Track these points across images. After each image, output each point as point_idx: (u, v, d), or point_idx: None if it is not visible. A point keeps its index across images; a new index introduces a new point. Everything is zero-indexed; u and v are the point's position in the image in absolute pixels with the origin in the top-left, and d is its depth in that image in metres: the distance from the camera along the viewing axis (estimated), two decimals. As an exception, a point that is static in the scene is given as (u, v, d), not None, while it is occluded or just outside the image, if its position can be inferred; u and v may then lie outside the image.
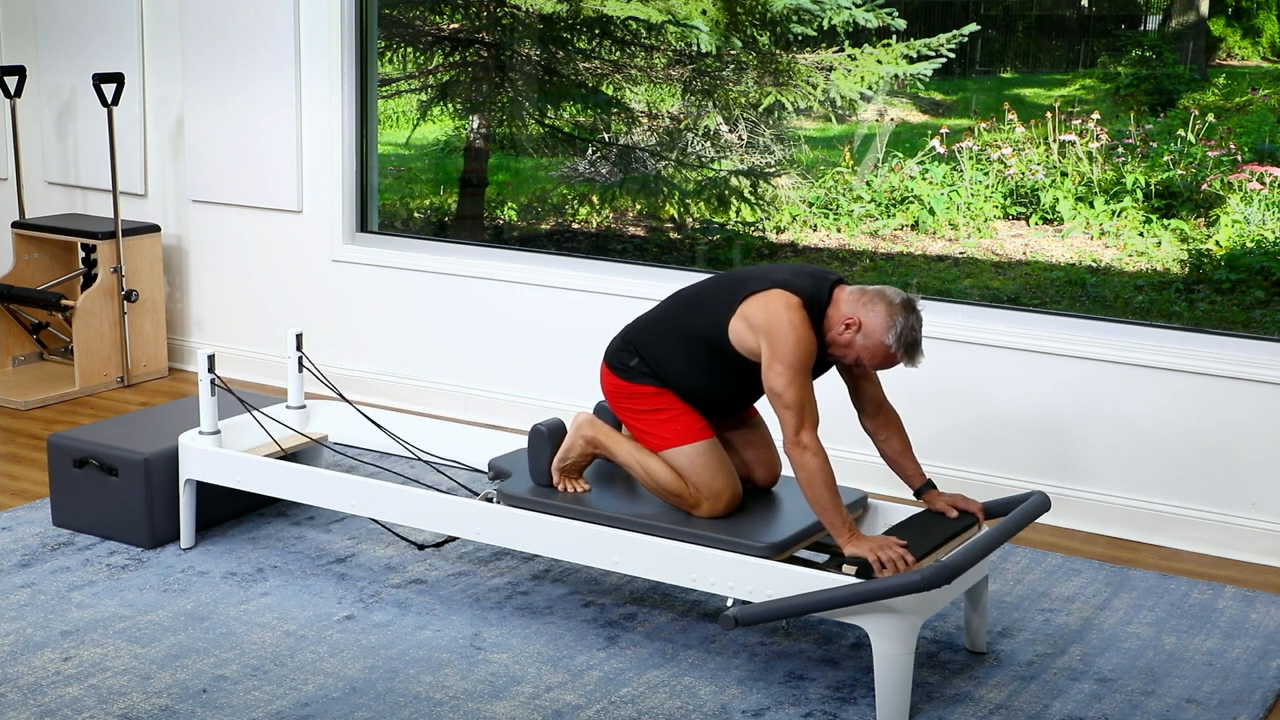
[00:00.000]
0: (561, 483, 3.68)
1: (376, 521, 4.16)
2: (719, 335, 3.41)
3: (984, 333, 4.60)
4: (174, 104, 6.01)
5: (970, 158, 5.40)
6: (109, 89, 5.75)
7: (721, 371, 3.47)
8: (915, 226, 5.41)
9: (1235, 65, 5.12)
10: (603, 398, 3.77)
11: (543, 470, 3.70)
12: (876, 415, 3.55)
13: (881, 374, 3.54)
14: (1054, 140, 5.26)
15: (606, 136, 6.01)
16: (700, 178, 5.84)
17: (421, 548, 4.06)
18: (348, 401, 4.34)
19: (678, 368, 3.51)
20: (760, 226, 5.70)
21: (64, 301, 5.67)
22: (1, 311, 5.96)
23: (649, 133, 5.93)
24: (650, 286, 5.03)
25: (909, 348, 3.32)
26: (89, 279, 5.83)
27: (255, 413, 4.15)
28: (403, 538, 4.17)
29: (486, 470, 3.96)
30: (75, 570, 3.98)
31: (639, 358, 3.57)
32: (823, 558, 3.66)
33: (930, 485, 3.56)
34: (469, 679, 3.40)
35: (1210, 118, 5.00)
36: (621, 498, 3.66)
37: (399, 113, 6.28)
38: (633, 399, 3.58)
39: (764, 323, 3.32)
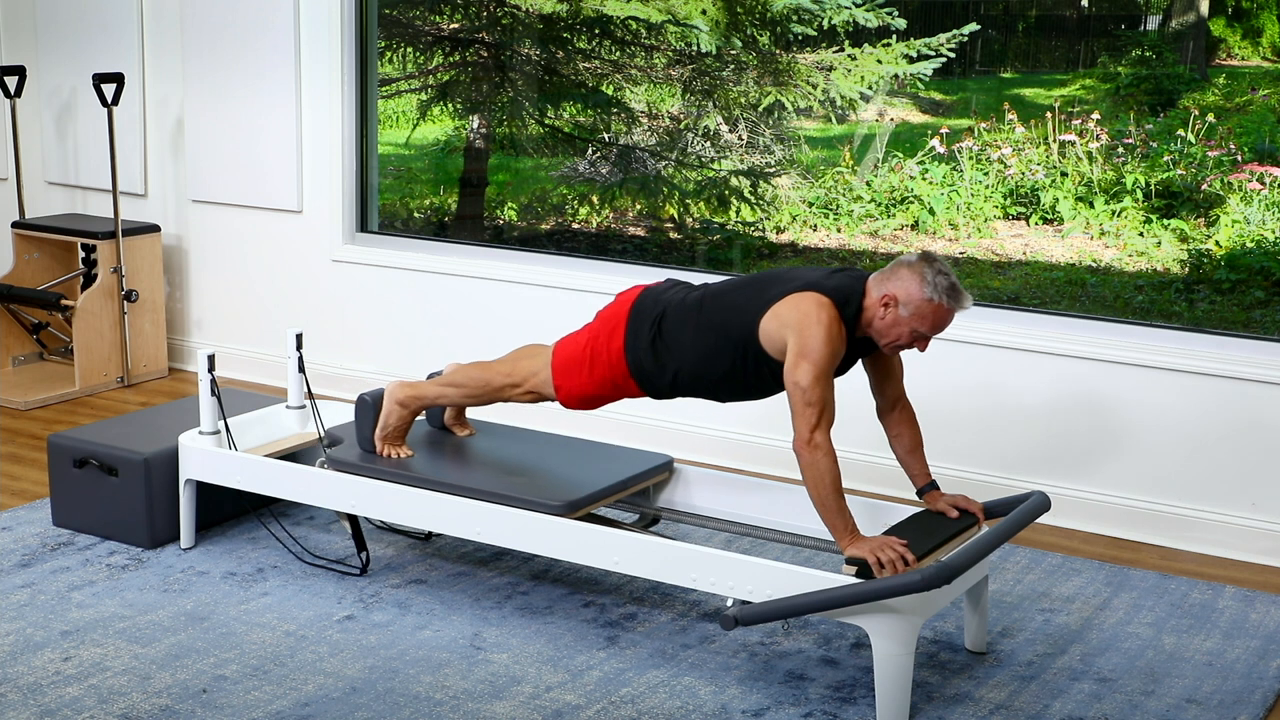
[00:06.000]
0: (384, 449, 3.87)
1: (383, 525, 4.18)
2: (750, 335, 3.40)
3: (984, 333, 4.60)
4: (174, 104, 6.01)
5: (970, 158, 5.40)
6: (109, 89, 5.75)
7: (745, 368, 3.45)
8: (915, 226, 5.41)
9: (1235, 65, 5.12)
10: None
11: (367, 437, 3.89)
12: (893, 410, 3.56)
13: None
14: (1054, 140, 5.26)
15: (606, 136, 6.01)
16: (700, 178, 5.84)
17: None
18: (311, 399, 4.29)
19: (698, 355, 3.50)
20: (760, 226, 5.69)
21: (64, 301, 5.67)
22: (1, 311, 5.96)
23: (649, 133, 5.93)
24: (650, 286, 5.03)
25: (949, 291, 3.30)
26: (89, 279, 5.83)
27: (221, 422, 4.10)
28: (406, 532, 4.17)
29: (323, 438, 4.11)
30: (75, 570, 3.98)
31: (654, 339, 3.53)
32: (631, 517, 3.71)
33: (933, 485, 3.56)
34: (469, 679, 3.40)
35: (1210, 118, 4.99)
36: (441, 462, 3.84)
37: (399, 113, 6.28)
38: (608, 349, 3.59)
39: (795, 320, 3.31)
